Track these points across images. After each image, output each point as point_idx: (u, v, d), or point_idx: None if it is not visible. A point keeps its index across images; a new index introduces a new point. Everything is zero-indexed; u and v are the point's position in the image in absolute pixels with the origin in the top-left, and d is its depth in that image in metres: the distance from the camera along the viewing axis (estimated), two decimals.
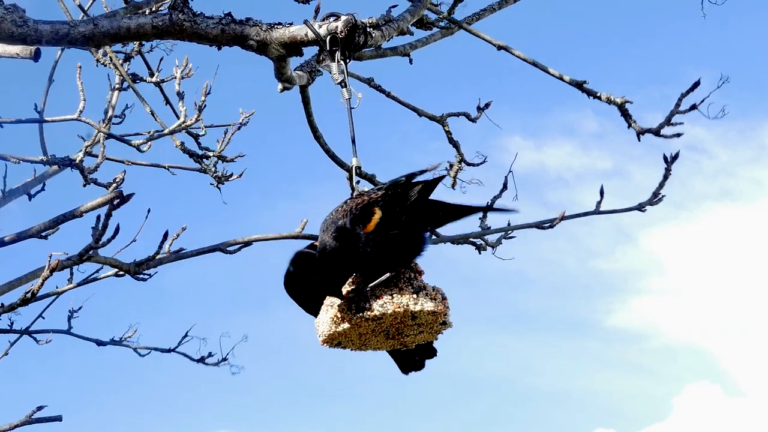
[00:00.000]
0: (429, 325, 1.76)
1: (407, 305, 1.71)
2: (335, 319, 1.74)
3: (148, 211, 2.79)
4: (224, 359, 3.74)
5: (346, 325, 1.73)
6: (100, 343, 3.65)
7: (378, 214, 1.73)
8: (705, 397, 7.17)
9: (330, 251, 1.72)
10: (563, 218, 2.84)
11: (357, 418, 6.41)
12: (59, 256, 1.86)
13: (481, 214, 2.95)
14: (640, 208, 2.86)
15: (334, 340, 1.78)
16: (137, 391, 6.10)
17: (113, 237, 2.21)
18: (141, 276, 2.83)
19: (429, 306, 1.72)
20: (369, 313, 1.71)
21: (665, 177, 2.78)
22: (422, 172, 1.78)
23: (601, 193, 2.83)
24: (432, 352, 1.90)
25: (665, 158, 2.74)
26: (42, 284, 1.77)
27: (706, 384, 7.27)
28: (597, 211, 2.83)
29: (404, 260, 1.75)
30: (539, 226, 2.86)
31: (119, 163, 3.40)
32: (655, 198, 2.84)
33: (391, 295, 1.73)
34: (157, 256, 2.72)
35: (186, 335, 3.70)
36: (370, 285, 1.73)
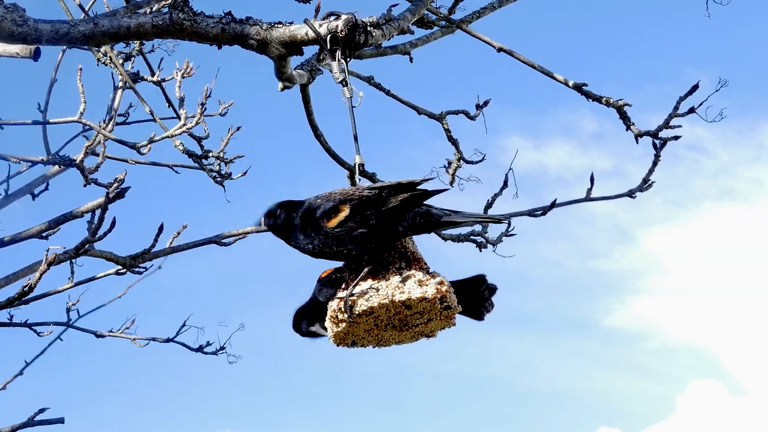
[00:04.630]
0: (431, 312, 1.71)
1: (392, 296, 1.68)
2: (333, 318, 1.73)
3: (151, 209, 2.80)
4: (222, 348, 3.81)
5: (344, 324, 1.71)
6: (99, 335, 3.68)
7: (344, 212, 1.73)
8: (708, 395, 7.18)
9: (289, 231, 1.78)
10: (554, 205, 2.85)
11: (357, 418, 6.41)
12: (56, 250, 1.85)
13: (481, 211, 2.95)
14: (631, 194, 2.87)
15: (342, 340, 1.77)
16: (140, 391, 6.10)
17: (109, 230, 2.22)
18: (137, 269, 2.84)
19: (416, 293, 1.68)
20: (357, 308, 1.69)
21: (654, 163, 2.80)
22: (424, 180, 1.78)
23: (592, 180, 2.85)
24: (493, 290, 1.88)
25: (654, 145, 2.76)
26: (39, 278, 1.76)
27: (711, 382, 7.28)
28: (588, 198, 2.85)
29: (361, 257, 1.73)
30: (531, 213, 2.88)
31: (122, 161, 3.40)
32: (645, 184, 2.86)
33: (377, 288, 1.70)
34: (152, 249, 2.73)
35: (184, 324, 3.76)
36: (353, 282, 1.73)
